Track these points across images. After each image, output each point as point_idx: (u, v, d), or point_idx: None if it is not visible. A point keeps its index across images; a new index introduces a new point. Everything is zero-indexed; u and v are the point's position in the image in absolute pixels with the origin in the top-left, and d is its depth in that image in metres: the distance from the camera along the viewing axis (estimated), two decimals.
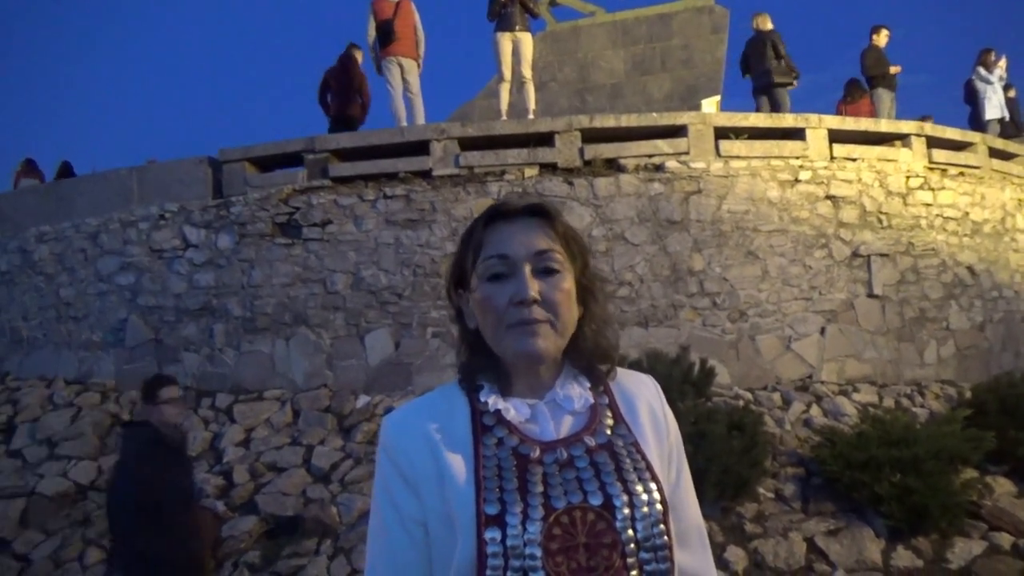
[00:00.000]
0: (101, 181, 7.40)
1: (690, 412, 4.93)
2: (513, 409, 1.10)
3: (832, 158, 6.73)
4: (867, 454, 4.79)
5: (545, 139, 6.56)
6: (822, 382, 6.31)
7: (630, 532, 1.02)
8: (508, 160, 6.44)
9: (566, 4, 11.27)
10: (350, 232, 6.43)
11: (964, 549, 4.61)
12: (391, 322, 6.28)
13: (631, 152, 6.48)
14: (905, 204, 6.91)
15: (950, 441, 4.86)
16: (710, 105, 10.06)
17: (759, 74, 9.06)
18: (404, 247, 6.34)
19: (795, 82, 9.09)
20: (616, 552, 1.00)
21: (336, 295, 6.38)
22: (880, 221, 6.77)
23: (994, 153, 7.79)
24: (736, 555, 4.58)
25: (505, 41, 8.28)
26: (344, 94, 8.68)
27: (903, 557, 4.56)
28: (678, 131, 6.56)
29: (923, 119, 8.68)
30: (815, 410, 5.90)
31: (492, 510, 1.00)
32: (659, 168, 6.45)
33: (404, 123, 7.83)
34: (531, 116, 8.08)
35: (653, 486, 1.05)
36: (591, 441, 1.09)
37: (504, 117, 8.13)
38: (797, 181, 6.59)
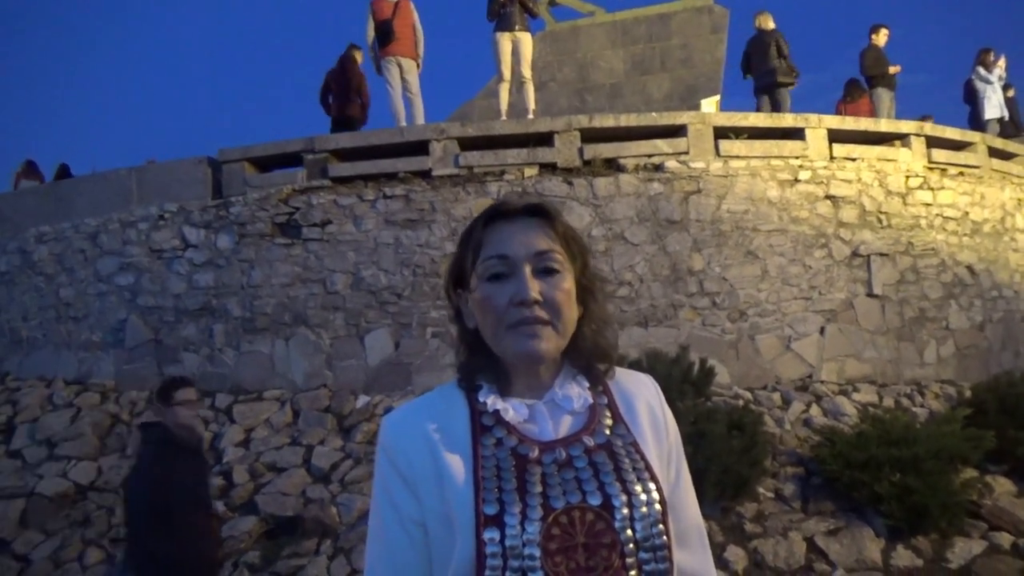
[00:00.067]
0: (100, 181, 7.40)
1: (690, 412, 4.93)
2: (512, 409, 1.10)
3: (832, 158, 6.73)
4: (867, 454, 4.79)
5: (545, 139, 6.56)
6: (822, 382, 6.31)
7: (629, 532, 1.01)
8: (508, 160, 6.44)
9: (565, 4, 11.27)
10: (350, 232, 6.42)
11: (964, 549, 4.61)
12: (391, 322, 6.28)
13: (631, 152, 6.48)
14: (905, 204, 6.91)
15: (950, 441, 4.86)
16: (709, 105, 10.06)
17: (762, 74, 9.05)
18: (404, 247, 6.34)
19: (795, 82, 9.10)
20: (615, 552, 1.00)
21: (336, 295, 6.37)
22: (880, 221, 6.77)
23: (994, 153, 7.79)
24: (736, 555, 4.58)
25: (505, 41, 8.28)
26: (344, 95, 8.70)
27: (903, 557, 4.56)
28: (678, 131, 6.57)
29: (923, 119, 8.68)
30: (815, 410, 5.90)
31: (491, 510, 1.00)
32: (659, 168, 6.45)
33: (403, 123, 7.83)
34: (531, 116, 8.08)
35: (652, 486, 1.05)
36: (590, 441, 1.09)
37: (504, 117, 8.13)
38: (797, 181, 6.59)
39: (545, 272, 1.10)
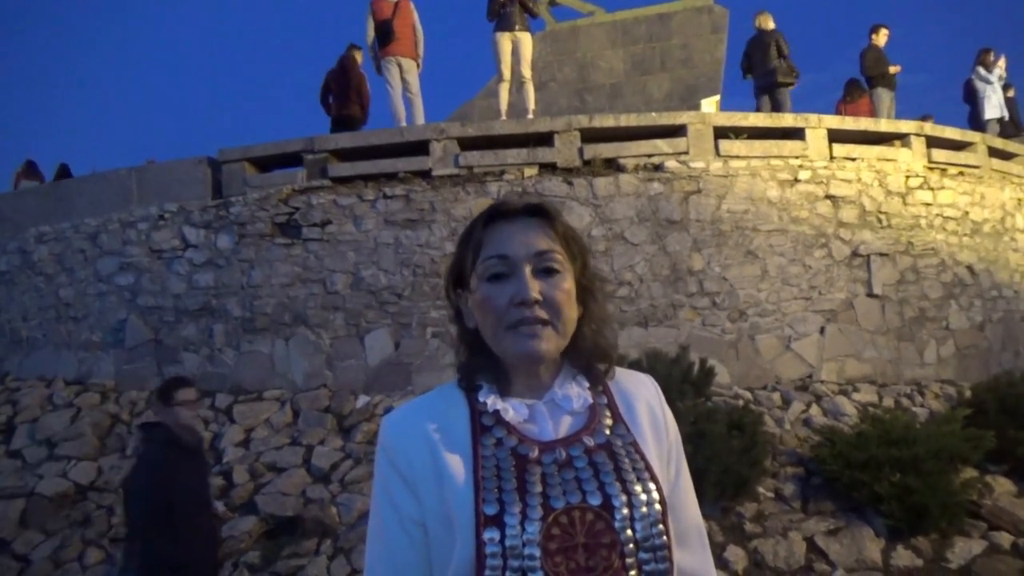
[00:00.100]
0: (100, 181, 7.40)
1: (690, 412, 4.93)
2: (512, 409, 1.10)
3: (832, 158, 6.73)
4: (867, 454, 4.79)
5: (544, 139, 6.56)
6: (822, 382, 6.31)
7: (629, 532, 1.01)
8: (508, 160, 6.44)
9: (565, 4, 11.27)
10: (349, 232, 6.42)
11: (964, 548, 4.61)
12: (391, 322, 6.28)
13: (630, 152, 6.48)
14: (905, 204, 6.91)
15: (950, 441, 4.86)
16: (709, 105, 10.06)
17: (763, 74, 9.04)
18: (404, 247, 6.34)
19: (796, 81, 9.10)
20: (615, 552, 1.00)
21: (336, 295, 6.37)
22: (880, 221, 6.77)
23: (993, 153, 7.79)
24: (736, 555, 4.58)
25: (504, 41, 8.27)
26: (343, 95, 8.70)
27: (903, 556, 4.56)
28: (677, 131, 6.57)
29: (924, 118, 8.68)
30: (815, 410, 5.90)
31: (491, 510, 1.00)
32: (658, 168, 6.46)
33: (403, 123, 7.82)
34: (530, 116, 8.08)
35: (652, 486, 1.05)
36: (590, 441, 1.09)
37: (503, 117, 8.13)
38: (797, 181, 6.59)
39: (545, 272, 1.10)
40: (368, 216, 6.41)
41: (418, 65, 8.15)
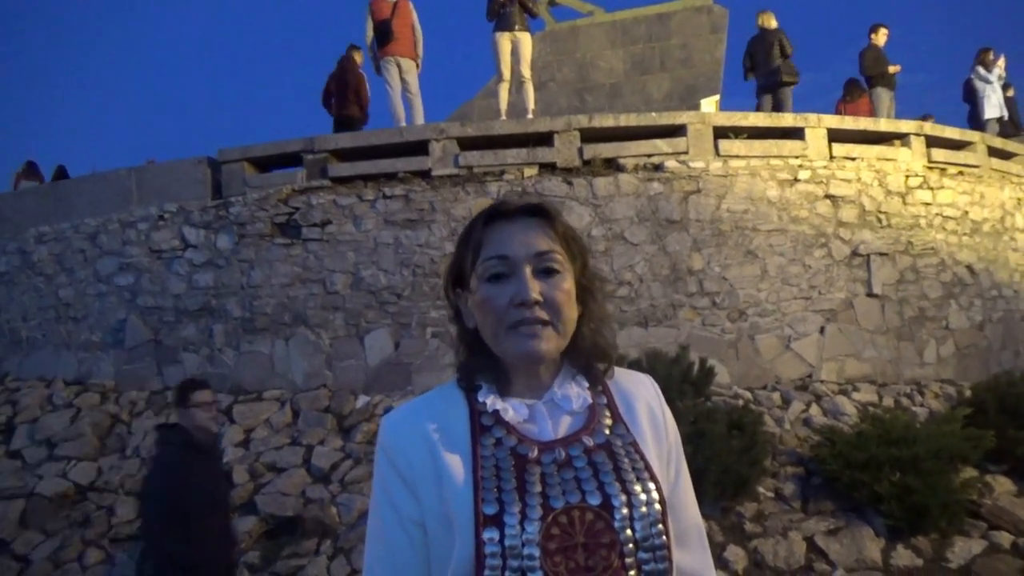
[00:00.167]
0: (100, 182, 7.40)
1: (689, 412, 4.93)
2: (511, 409, 1.10)
3: (831, 157, 6.73)
4: (867, 453, 4.79)
5: (544, 139, 6.56)
6: (822, 381, 6.31)
7: (628, 532, 1.01)
8: (507, 160, 6.44)
9: (565, 4, 11.27)
10: (349, 232, 6.42)
11: (964, 548, 4.61)
12: (390, 322, 6.28)
13: (630, 152, 6.48)
14: (904, 203, 6.91)
15: (950, 440, 4.86)
16: (709, 105, 10.06)
17: (766, 73, 9.02)
18: (403, 247, 6.34)
19: (798, 80, 9.09)
20: (614, 552, 1.00)
21: (335, 295, 6.37)
22: (879, 220, 6.77)
23: (993, 152, 7.80)
24: (736, 554, 4.58)
25: (504, 41, 8.27)
26: (342, 95, 8.72)
27: (903, 556, 4.56)
28: (677, 131, 6.56)
29: (924, 118, 8.69)
30: (815, 409, 5.90)
31: (490, 510, 1.00)
32: (658, 168, 6.45)
33: (403, 123, 7.82)
34: (530, 116, 8.08)
35: (652, 486, 1.05)
36: (589, 441, 1.08)
37: (503, 117, 8.12)
38: (796, 180, 6.59)
39: (545, 272, 1.10)
40: (368, 216, 6.41)
41: (417, 65, 8.15)
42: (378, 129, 7.42)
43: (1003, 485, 5.16)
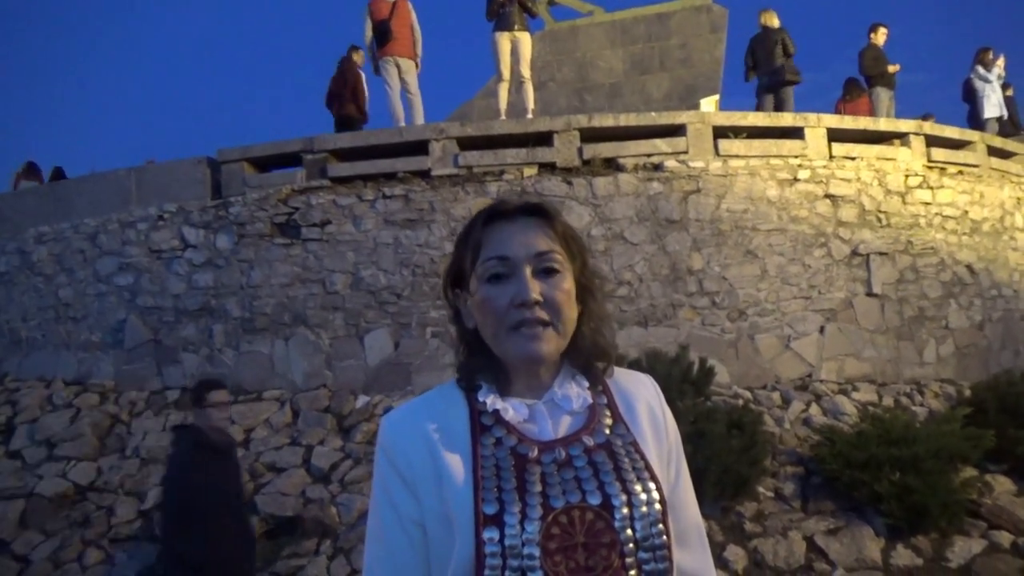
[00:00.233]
0: (100, 182, 7.40)
1: (689, 411, 4.93)
2: (511, 409, 1.10)
3: (831, 157, 6.73)
4: (867, 453, 4.79)
5: (544, 139, 6.55)
6: (821, 381, 6.31)
7: (629, 532, 1.01)
8: (507, 160, 6.44)
9: (565, 4, 11.26)
10: (349, 232, 6.42)
11: (964, 548, 4.61)
12: (390, 322, 6.28)
13: (630, 151, 6.48)
14: (904, 203, 6.91)
15: (950, 440, 4.86)
16: (709, 104, 10.05)
17: (768, 72, 9.00)
18: (403, 247, 6.33)
19: (800, 79, 9.08)
20: (615, 552, 1.00)
21: (335, 295, 6.37)
22: (879, 220, 6.77)
23: (993, 152, 7.80)
24: (736, 554, 4.58)
25: (504, 41, 8.27)
26: (340, 95, 8.73)
27: (903, 556, 4.56)
28: (677, 130, 6.56)
29: (924, 117, 8.69)
30: (814, 409, 5.90)
31: (490, 510, 1.00)
32: (658, 167, 6.45)
33: (402, 123, 7.82)
34: (530, 116, 8.08)
35: (652, 485, 1.05)
36: (589, 441, 1.08)
37: (503, 117, 8.12)
38: (796, 180, 6.59)
39: (545, 272, 1.10)
40: (367, 216, 6.41)
41: (416, 65, 8.15)
42: (378, 129, 7.43)
43: (1003, 485, 5.16)
